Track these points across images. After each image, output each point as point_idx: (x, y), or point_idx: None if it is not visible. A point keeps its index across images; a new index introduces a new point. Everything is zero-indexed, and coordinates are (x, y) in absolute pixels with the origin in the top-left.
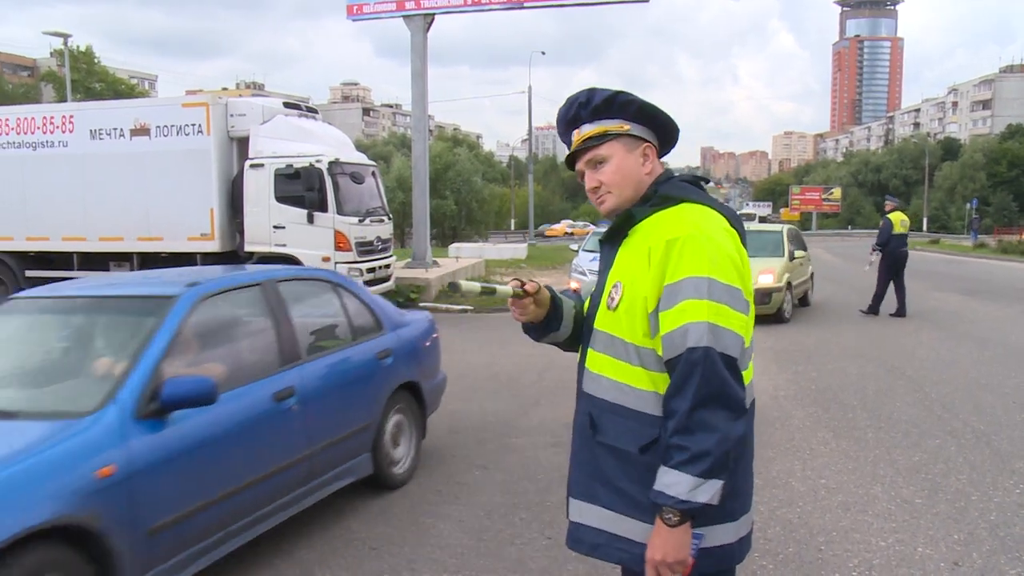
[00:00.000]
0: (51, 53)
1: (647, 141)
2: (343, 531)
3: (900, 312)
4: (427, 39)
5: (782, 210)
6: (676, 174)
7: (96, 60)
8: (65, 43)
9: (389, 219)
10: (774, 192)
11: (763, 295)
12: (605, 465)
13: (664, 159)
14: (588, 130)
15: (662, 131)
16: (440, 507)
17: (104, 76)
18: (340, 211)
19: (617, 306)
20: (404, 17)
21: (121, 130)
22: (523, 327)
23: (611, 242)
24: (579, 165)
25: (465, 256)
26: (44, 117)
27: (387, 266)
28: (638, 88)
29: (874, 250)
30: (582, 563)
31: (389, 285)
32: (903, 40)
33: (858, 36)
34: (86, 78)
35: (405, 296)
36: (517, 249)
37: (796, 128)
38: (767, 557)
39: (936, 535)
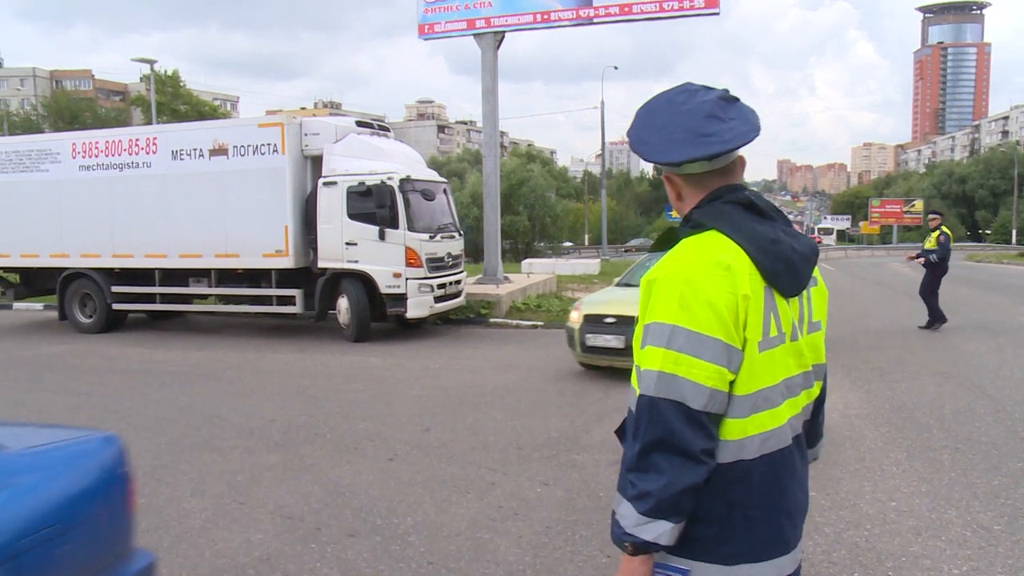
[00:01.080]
0: (140, 78)
1: (666, 172)
2: (403, 545)
3: (936, 322)
4: (497, 56)
5: (862, 223)
6: (724, 195)
7: (182, 83)
8: (151, 68)
9: (460, 235)
10: (853, 205)
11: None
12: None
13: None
14: None
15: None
16: (500, 523)
17: (189, 98)
18: (411, 227)
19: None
20: (474, 35)
21: (201, 150)
22: None
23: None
24: None
25: (537, 271)
26: (130, 139)
27: (457, 282)
28: None
29: (921, 259)
30: None
31: (460, 301)
32: (990, 46)
33: (941, 43)
34: (172, 100)
35: (476, 311)
36: (589, 264)
37: (876, 139)
38: None
39: (1016, 564)
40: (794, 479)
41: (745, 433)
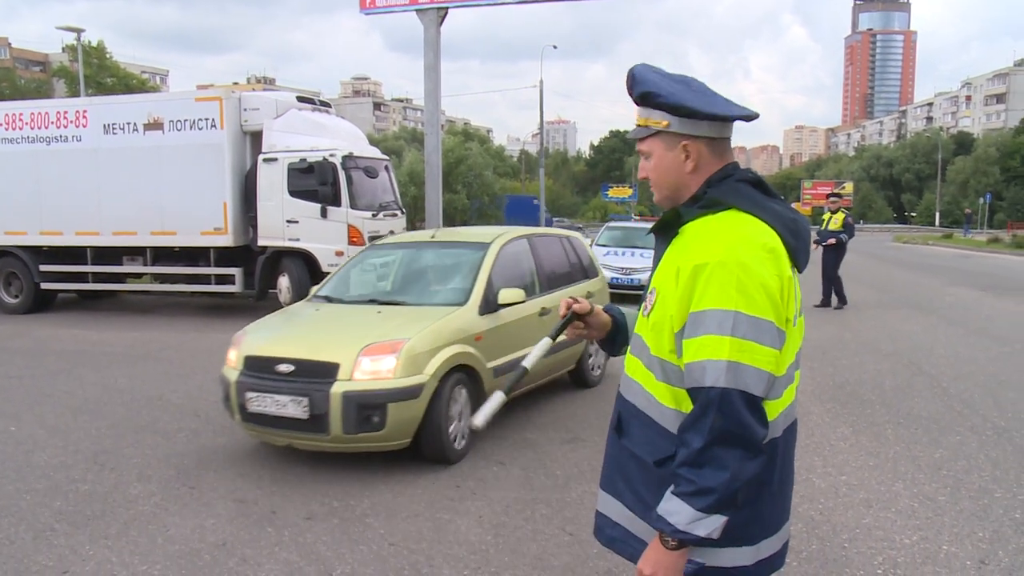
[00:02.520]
0: (63, 48)
1: (689, 137)
2: (362, 527)
3: (842, 302)
4: (440, 33)
5: (794, 205)
6: (735, 173)
7: (108, 55)
8: (78, 38)
9: (402, 213)
10: (785, 187)
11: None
12: (627, 466)
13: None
14: (638, 116)
15: (719, 119)
16: (459, 503)
17: (116, 71)
18: (353, 205)
19: (649, 315)
20: (417, 11)
21: (135, 124)
22: (598, 343)
23: (662, 237)
24: (637, 148)
25: None
26: (58, 112)
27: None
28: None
29: (832, 241)
30: (603, 560)
31: None
32: (916, 34)
33: (870, 30)
34: (98, 73)
35: None
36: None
37: (807, 122)
38: (790, 554)
39: (961, 532)
40: (794, 450)
41: (777, 412)
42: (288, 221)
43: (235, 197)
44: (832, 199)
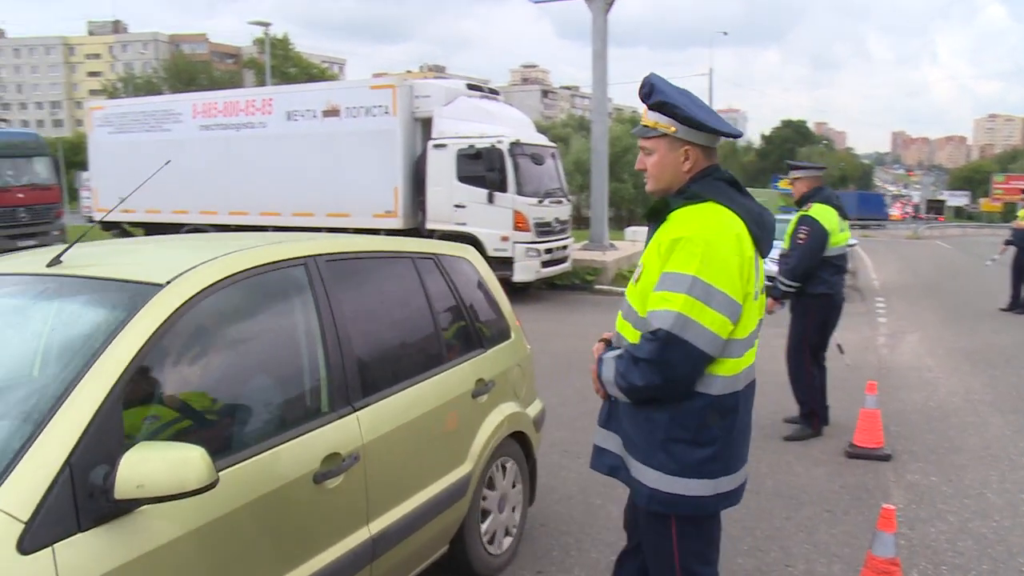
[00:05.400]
0: (253, 41)
1: (690, 144)
2: None
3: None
4: (607, 20)
5: (982, 200)
6: (714, 173)
7: (291, 46)
8: (266, 32)
9: (568, 200)
10: (972, 181)
11: None
12: (620, 407)
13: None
14: (648, 118)
15: (714, 132)
16: (611, 489)
17: (298, 61)
18: (520, 191)
19: (637, 282)
20: None
21: (314, 111)
22: None
23: (653, 224)
24: (639, 143)
25: (642, 239)
26: (247, 100)
27: (564, 247)
28: (823, 69)
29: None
30: (751, 557)
31: (566, 266)
32: None
33: None
34: (282, 63)
35: (581, 278)
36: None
37: (1002, 110)
38: (957, 572)
39: None
40: (752, 404)
41: (738, 369)
42: (456, 206)
43: (406, 181)
44: None
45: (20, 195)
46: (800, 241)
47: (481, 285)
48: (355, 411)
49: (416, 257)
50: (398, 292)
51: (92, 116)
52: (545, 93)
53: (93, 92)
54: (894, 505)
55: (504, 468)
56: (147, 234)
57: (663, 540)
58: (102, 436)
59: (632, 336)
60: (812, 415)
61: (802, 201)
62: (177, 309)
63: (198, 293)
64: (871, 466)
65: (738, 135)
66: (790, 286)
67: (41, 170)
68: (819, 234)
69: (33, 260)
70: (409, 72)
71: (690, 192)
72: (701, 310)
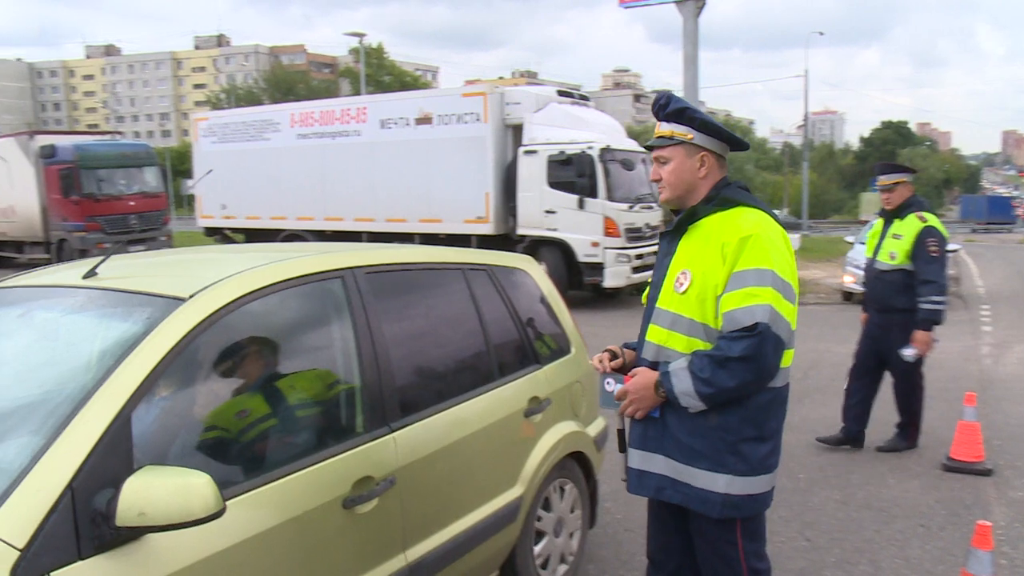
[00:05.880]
0: (349, 51)
1: (707, 150)
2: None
3: None
4: (699, 24)
5: None
6: (734, 183)
7: (386, 55)
8: (360, 42)
9: (659, 206)
10: None
11: None
12: (670, 421)
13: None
14: (662, 129)
15: (727, 141)
16: None
17: (392, 69)
18: (610, 197)
19: (686, 291)
20: (676, 2)
21: (407, 119)
22: None
23: (671, 236)
24: (652, 155)
25: None
26: (343, 109)
27: (655, 253)
28: (928, 66)
29: None
30: (840, 570)
31: None
32: None
33: None
34: (377, 72)
35: None
36: (790, 240)
37: None
38: None
39: None
40: None
41: (791, 360)
42: (546, 211)
43: (497, 187)
44: None
45: (131, 203)
46: (934, 254)
47: (539, 297)
48: (392, 432)
49: (467, 269)
50: (445, 306)
51: (197, 127)
52: (637, 98)
53: (198, 103)
54: (994, 522)
55: (563, 490)
56: (246, 241)
57: (729, 547)
58: (108, 459)
59: (684, 345)
60: (911, 427)
61: (902, 209)
62: (197, 325)
63: (222, 308)
64: (969, 481)
65: (747, 146)
66: (941, 303)
67: (151, 179)
68: (945, 245)
69: (71, 272)
70: (501, 78)
71: (719, 199)
72: (781, 302)
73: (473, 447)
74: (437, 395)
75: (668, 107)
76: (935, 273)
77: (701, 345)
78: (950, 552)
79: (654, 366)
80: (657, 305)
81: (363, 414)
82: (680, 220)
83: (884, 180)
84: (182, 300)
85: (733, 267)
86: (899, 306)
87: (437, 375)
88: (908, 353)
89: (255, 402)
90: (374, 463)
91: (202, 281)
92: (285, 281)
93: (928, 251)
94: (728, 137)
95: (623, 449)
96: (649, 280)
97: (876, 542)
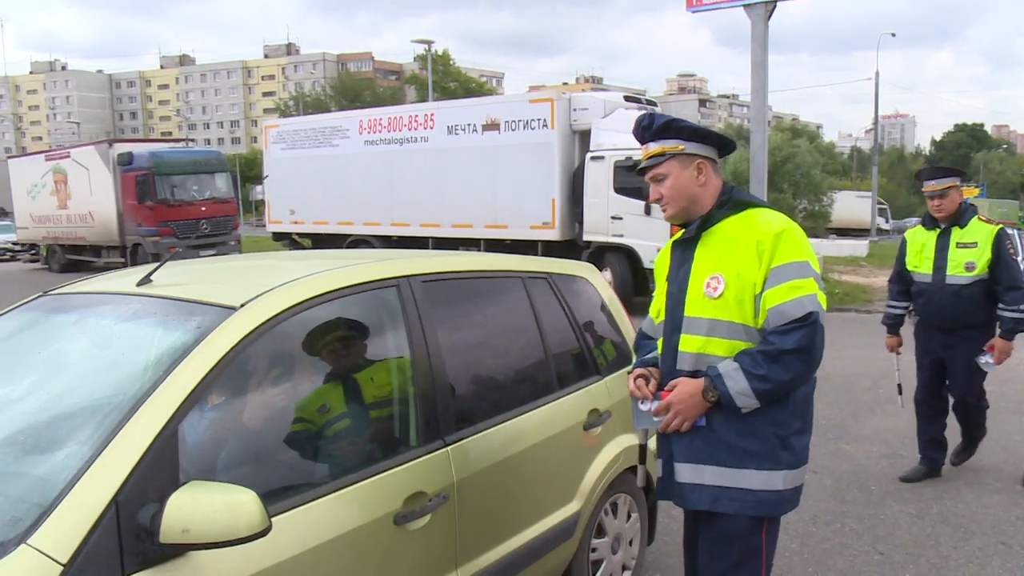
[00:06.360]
0: (414, 58)
1: (701, 157)
2: (668, 519)
3: None
4: (768, 27)
5: None
6: (735, 187)
7: (451, 62)
8: (428, 49)
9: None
10: None
11: None
12: (717, 426)
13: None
14: (651, 148)
15: (718, 145)
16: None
17: (458, 76)
18: None
19: (721, 294)
20: (745, 6)
21: (474, 125)
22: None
23: (685, 245)
24: (647, 177)
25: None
26: (410, 116)
27: None
28: (1005, 67)
29: None
30: None
31: None
32: None
33: None
34: (442, 78)
35: None
36: (857, 246)
37: None
38: None
39: None
40: None
41: None
42: (612, 217)
43: (563, 193)
44: None
45: (203, 208)
46: (1015, 257)
47: (600, 306)
48: (446, 446)
49: (527, 277)
50: (503, 315)
51: (267, 134)
52: (703, 102)
53: (267, 111)
54: None
55: (617, 505)
56: (313, 245)
57: (754, 549)
58: (154, 473)
59: (726, 349)
60: (976, 439)
61: (960, 216)
62: (248, 335)
63: (273, 317)
64: None
65: (735, 147)
66: (1022, 311)
67: (221, 185)
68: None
69: (127, 278)
70: (566, 84)
71: (732, 203)
72: (820, 293)
73: (530, 461)
74: (494, 407)
75: (653, 126)
76: (1019, 278)
77: (743, 346)
78: None
79: (693, 375)
80: (687, 314)
81: (417, 427)
82: (697, 227)
83: (934, 185)
84: (233, 309)
85: (771, 263)
86: (978, 322)
87: (494, 386)
88: (987, 361)
89: (307, 414)
90: (427, 478)
91: (255, 289)
92: (339, 290)
93: (1010, 255)
94: (717, 141)
95: (643, 461)
96: (655, 293)
97: (954, 559)
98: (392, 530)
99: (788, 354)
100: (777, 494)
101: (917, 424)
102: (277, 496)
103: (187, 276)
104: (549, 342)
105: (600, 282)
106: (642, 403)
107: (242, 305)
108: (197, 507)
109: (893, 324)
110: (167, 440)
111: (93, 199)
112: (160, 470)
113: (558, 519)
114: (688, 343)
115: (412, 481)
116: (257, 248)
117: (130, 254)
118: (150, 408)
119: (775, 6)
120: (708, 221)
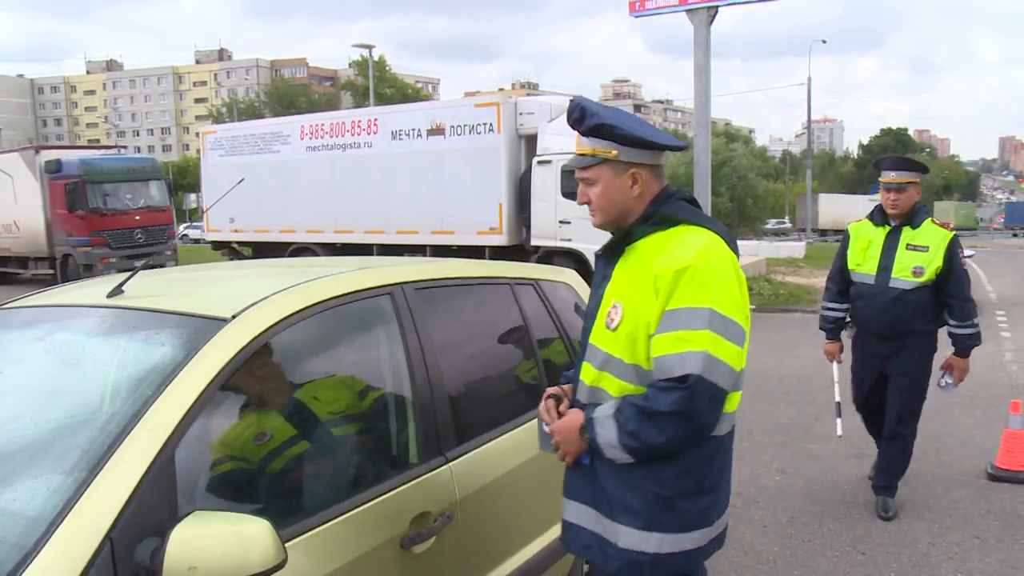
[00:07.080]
0: (349, 64)
1: (636, 165)
2: None
3: None
4: (710, 32)
5: None
6: (676, 194)
7: (388, 68)
8: (370, 54)
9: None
10: None
11: None
12: (599, 469)
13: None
14: (583, 146)
15: (660, 149)
16: (742, 510)
17: (394, 82)
18: None
19: (617, 327)
20: (688, 11)
21: (419, 130)
22: None
23: (607, 257)
24: (576, 175)
25: (742, 254)
26: (353, 121)
27: None
28: (927, 73)
29: None
30: None
31: None
32: None
33: None
34: (379, 84)
35: None
36: (794, 248)
37: None
38: None
39: None
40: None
41: (738, 403)
42: (560, 222)
43: (510, 198)
44: None
45: (137, 217)
46: (965, 267)
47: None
48: (448, 462)
49: (515, 283)
50: (496, 323)
51: (205, 140)
52: (637, 107)
53: (199, 117)
54: None
55: None
56: (254, 254)
57: None
58: (151, 503)
59: (616, 388)
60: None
61: (913, 215)
62: (244, 347)
63: (269, 328)
64: (1019, 490)
65: (682, 147)
66: (978, 325)
67: (156, 193)
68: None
69: (95, 290)
70: (502, 89)
71: (658, 216)
72: (721, 345)
73: (529, 474)
74: (492, 419)
75: (584, 121)
76: (969, 291)
77: (633, 389)
78: (1011, 565)
79: (585, 408)
80: (590, 341)
81: (418, 442)
82: (614, 241)
83: (894, 177)
84: (225, 320)
85: (666, 304)
86: (920, 328)
87: (492, 397)
88: (947, 383)
89: (306, 434)
90: (432, 497)
91: (243, 299)
92: (334, 298)
93: (958, 262)
94: (660, 145)
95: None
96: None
97: (934, 556)
98: (399, 554)
99: (662, 416)
100: (650, 557)
101: (864, 424)
102: (284, 522)
103: (163, 286)
104: (541, 350)
105: (582, 287)
106: (545, 425)
107: (234, 316)
108: (204, 541)
109: (832, 328)
110: (164, 466)
111: (18, 208)
112: (157, 501)
113: (558, 532)
114: (586, 373)
115: (417, 501)
116: (195, 259)
117: (60, 265)
118: (142, 431)
119: (717, 11)
120: (629, 236)
